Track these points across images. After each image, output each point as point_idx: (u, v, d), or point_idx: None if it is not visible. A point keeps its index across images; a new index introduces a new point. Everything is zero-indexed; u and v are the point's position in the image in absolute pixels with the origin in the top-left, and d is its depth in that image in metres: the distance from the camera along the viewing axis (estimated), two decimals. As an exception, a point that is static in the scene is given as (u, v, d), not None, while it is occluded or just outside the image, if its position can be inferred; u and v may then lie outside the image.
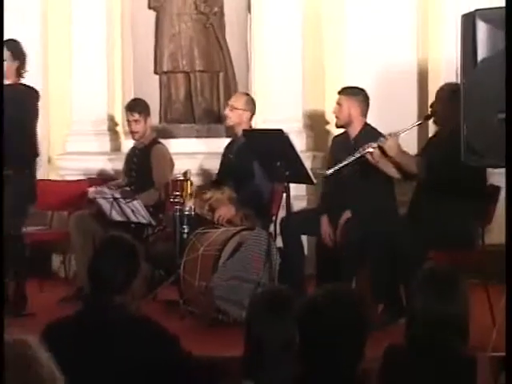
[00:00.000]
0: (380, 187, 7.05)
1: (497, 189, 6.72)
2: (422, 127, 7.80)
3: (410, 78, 8.48)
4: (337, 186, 7.15)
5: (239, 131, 7.98)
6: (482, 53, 5.81)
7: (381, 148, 6.85)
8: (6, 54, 7.52)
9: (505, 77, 5.28)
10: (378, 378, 3.67)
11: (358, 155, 6.87)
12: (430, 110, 7.33)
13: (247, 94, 8.57)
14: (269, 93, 8.88)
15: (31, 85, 7.72)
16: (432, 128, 7.48)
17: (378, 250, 6.71)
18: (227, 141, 8.39)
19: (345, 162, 6.86)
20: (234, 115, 8.09)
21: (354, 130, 7.41)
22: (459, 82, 6.24)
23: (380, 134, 7.18)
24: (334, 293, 3.37)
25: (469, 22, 5.89)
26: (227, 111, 8.18)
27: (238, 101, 8.22)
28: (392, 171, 6.95)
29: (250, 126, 8.11)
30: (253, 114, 8.24)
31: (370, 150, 6.83)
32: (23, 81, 7.59)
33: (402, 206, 7.16)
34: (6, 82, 7.46)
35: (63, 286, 8.22)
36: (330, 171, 6.96)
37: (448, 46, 7.85)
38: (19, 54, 7.62)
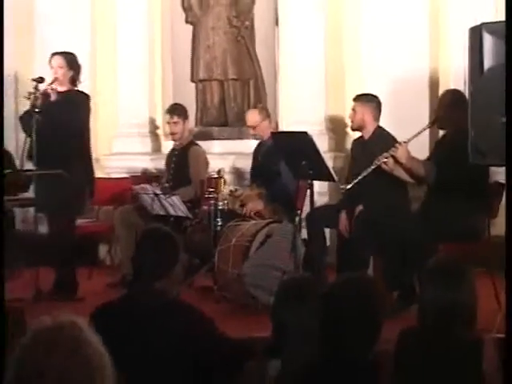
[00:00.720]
0: (392, 188, 7.03)
1: (501, 185, 6.69)
2: (432, 131, 7.75)
3: (422, 85, 8.42)
4: (355, 187, 7.15)
5: (265, 136, 8.06)
6: (487, 63, 5.81)
7: (393, 156, 6.88)
8: (63, 63, 7.58)
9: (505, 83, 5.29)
10: (394, 358, 3.70)
11: (375, 166, 6.82)
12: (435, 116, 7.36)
13: (256, 107, 8.64)
14: (294, 99, 8.86)
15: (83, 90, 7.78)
16: (442, 132, 7.46)
17: (390, 243, 6.75)
18: (256, 142, 8.39)
19: (363, 174, 6.79)
20: (256, 131, 8.18)
21: (368, 133, 7.38)
22: (467, 89, 6.24)
23: (391, 136, 7.23)
24: (351, 281, 3.41)
25: (476, 34, 5.89)
26: (251, 131, 8.28)
27: (252, 119, 8.27)
28: (404, 176, 6.96)
29: (277, 125, 8.16)
30: (269, 117, 8.31)
31: (384, 159, 6.81)
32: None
33: (417, 201, 7.17)
34: (62, 88, 7.53)
35: (109, 273, 8.24)
36: (349, 186, 6.90)
37: (457, 56, 7.80)
38: (74, 65, 7.65)
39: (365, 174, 6.86)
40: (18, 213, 8.74)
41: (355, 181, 6.88)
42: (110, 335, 2.67)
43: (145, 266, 4.59)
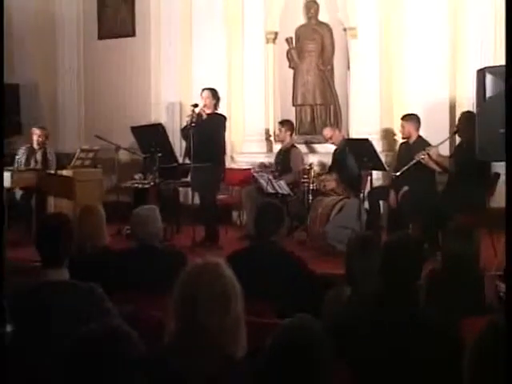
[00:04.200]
0: (426, 175, 6.96)
1: (498, 174, 6.60)
2: (452, 139, 7.64)
3: (444, 108, 8.31)
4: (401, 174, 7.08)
5: (337, 142, 8.03)
6: (488, 92, 5.74)
7: (428, 154, 6.84)
8: (209, 95, 7.64)
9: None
10: (425, 287, 3.67)
11: (416, 160, 6.83)
12: (455, 128, 7.30)
13: (328, 126, 8.68)
14: (360, 117, 8.79)
15: (222, 113, 7.85)
16: (457, 140, 7.36)
17: (423, 212, 6.67)
18: (334, 146, 8.32)
19: (408, 165, 6.80)
20: (331, 140, 8.16)
21: (412, 139, 7.31)
22: (474, 110, 6.15)
23: (427, 142, 7.15)
24: (400, 237, 3.39)
25: (481, 74, 5.81)
26: (328, 140, 8.23)
27: (327, 133, 8.26)
28: (435, 167, 6.91)
29: (348, 133, 8.13)
30: (339, 130, 8.40)
31: (422, 156, 6.82)
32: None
33: (442, 184, 7.11)
34: (209, 111, 7.60)
35: (239, 230, 8.29)
36: (398, 173, 6.90)
37: (468, 88, 7.68)
38: (216, 96, 7.72)
39: (409, 165, 6.85)
40: (181, 191, 8.85)
41: (403, 169, 6.86)
42: (240, 271, 2.69)
43: (262, 226, 4.62)
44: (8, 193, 8.11)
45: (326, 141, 8.40)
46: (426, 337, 2.85)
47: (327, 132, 8.29)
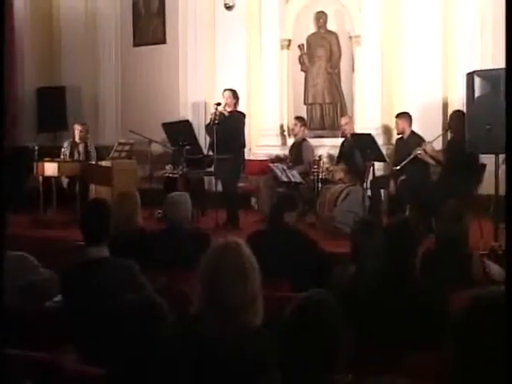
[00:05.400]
0: (421, 166, 6.90)
1: (484, 165, 6.55)
2: (445, 135, 7.57)
3: (437, 106, 8.21)
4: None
5: (349, 133, 7.94)
6: (477, 93, 5.68)
7: (424, 150, 6.80)
8: (230, 95, 7.61)
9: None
10: (420, 265, 3.66)
11: (413, 155, 6.78)
12: (447, 125, 7.26)
13: (345, 115, 8.60)
14: (363, 114, 8.75)
15: (241, 110, 7.84)
16: (449, 135, 7.30)
17: (419, 198, 6.63)
18: (341, 140, 8.29)
19: (406, 161, 6.76)
20: (346, 127, 8.08)
21: (406, 135, 7.26)
22: (464, 109, 6.09)
23: (419, 136, 7.11)
24: (400, 220, 3.38)
25: (470, 77, 5.75)
26: (342, 127, 8.16)
27: (344, 121, 8.22)
28: (430, 160, 6.86)
29: (353, 129, 8.08)
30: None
31: (419, 152, 6.78)
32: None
33: (436, 174, 7.07)
34: (230, 109, 7.58)
35: (256, 214, 8.25)
36: (397, 168, 6.85)
37: (458, 89, 7.59)
38: (236, 96, 7.69)
39: (407, 160, 6.79)
40: (206, 179, 8.85)
41: (402, 164, 6.81)
42: (258, 249, 2.68)
43: (276, 211, 4.63)
44: (56, 181, 8.22)
45: (335, 135, 8.35)
46: (420, 305, 2.86)
47: (345, 120, 8.22)
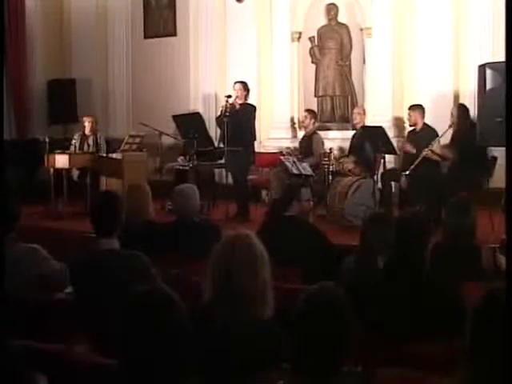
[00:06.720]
0: (431, 162, 6.88)
1: (495, 158, 6.53)
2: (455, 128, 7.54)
3: (448, 99, 8.14)
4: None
5: (360, 124, 7.90)
6: (488, 85, 5.67)
7: (431, 150, 6.80)
8: (241, 87, 7.62)
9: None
10: (430, 257, 3.65)
11: (423, 155, 6.75)
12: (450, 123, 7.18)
13: (358, 107, 8.53)
14: (375, 106, 8.71)
15: (252, 103, 7.83)
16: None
17: (429, 191, 6.60)
18: (352, 132, 8.27)
19: (414, 164, 6.70)
20: (359, 117, 8.01)
21: (419, 127, 7.25)
22: (476, 101, 6.08)
23: (432, 128, 7.08)
24: (412, 213, 3.38)
25: (482, 69, 5.74)
26: (355, 117, 8.09)
27: (356, 111, 8.19)
28: (437, 158, 6.88)
29: (364, 122, 8.04)
30: (364, 114, 8.17)
31: (425, 153, 6.76)
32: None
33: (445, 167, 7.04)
34: (240, 101, 7.58)
35: (266, 207, 8.24)
36: (407, 172, 6.78)
37: (470, 81, 7.55)
38: (247, 88, 7.68)
39: (415, 163, 6.73)
40: (216, 171, 8.86)
41: (411, 167, 6.73)
42: (268, 239, 2.67)
43: (284, 202, 4.63)
44: (66, 173, 8.24)
45: (346, 127, 8.32)
46: (430, 297, 2.86)
47: (358, 110, 8.20)
